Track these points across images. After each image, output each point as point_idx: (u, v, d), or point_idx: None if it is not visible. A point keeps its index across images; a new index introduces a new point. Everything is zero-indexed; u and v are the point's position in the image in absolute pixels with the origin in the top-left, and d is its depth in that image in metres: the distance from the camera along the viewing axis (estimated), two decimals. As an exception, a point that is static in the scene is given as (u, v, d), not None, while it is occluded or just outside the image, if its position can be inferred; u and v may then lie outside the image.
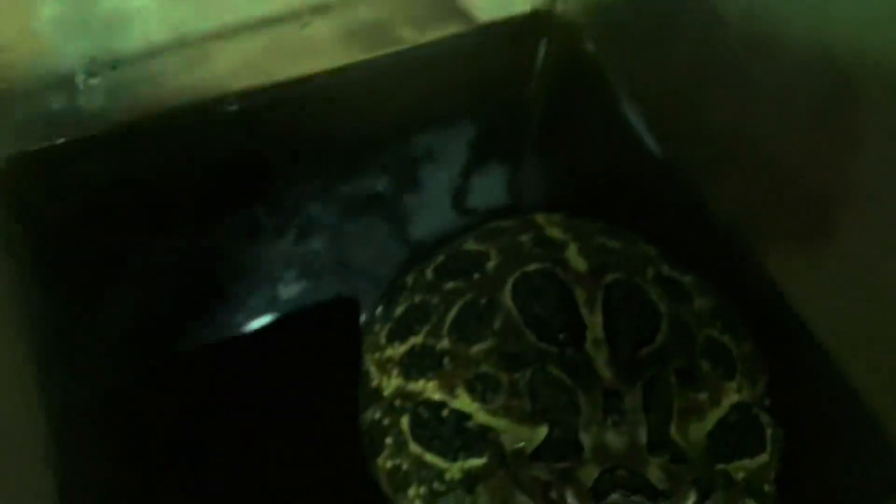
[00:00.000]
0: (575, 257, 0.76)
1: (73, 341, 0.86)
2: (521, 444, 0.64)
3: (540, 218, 0.86)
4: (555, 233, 0.82)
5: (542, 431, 0.64)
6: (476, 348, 0.70)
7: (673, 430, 0.65)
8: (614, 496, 0.58)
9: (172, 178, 0.95)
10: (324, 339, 0.91)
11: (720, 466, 0.67)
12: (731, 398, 0.70)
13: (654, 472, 0.60)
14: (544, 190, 1.06)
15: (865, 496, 0.75)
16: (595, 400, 0.64)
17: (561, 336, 0.69)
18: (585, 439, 0.62)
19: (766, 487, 0.70)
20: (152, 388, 0.86)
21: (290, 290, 0.94)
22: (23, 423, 0.74)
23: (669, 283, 0.77)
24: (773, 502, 0.70)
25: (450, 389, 0.69)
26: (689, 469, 0.62)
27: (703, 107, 0.90)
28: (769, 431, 0.72)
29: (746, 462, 0.69)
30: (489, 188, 1.03)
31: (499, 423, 0.66)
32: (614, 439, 0.62)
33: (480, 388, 0.68)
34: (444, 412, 0.68)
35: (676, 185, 0.94)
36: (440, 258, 0.81)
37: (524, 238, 0.80)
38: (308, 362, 0.88)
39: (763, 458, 0.70)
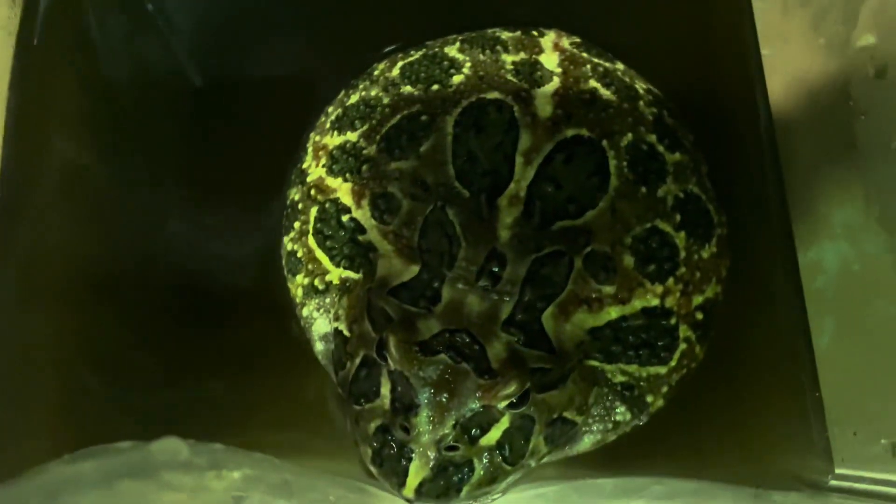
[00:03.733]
0: (545, 97, 0.66)
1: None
2: (391, 276, 0.62)
3: (549, 38, 0.74)
4: (551, 61, 0.71)
5: (413, 270, 0.61)
6: (395, 165, 0.65)
7: (548, 314, 0.60)
8: (443, 356, 0.56)
9: None
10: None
11: (594, 363, 0.63)
12: (648, 301, 0.63)
13: (496, 348, 0.57)
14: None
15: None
16: (476, 258, 0.60)
17: (480, 181, 0.63)
18: (446, 293, 0.59)
19: (651, 398, 0.66)
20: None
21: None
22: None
23: (645, 156, 0.66)
24: (652, 413, 0.66)
25: (358, 198, 0.66)
26: (537, 356, 0.58)
27: None
28: (682, 346, 0.66)
29: (633, 368, 0.64)
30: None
31: (384, 246, 0.64)
32: (474, 303, 0.59)
33: (382, 207, 0.65)
34: (345, 218, 0.66)
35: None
36: (417, 54, 0.73)
37: (511, 58, 0.70)
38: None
39: (659, 369, 0.65)
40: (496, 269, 0.60)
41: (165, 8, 0.90)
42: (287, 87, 0.83)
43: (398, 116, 0.68)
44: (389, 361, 0.57)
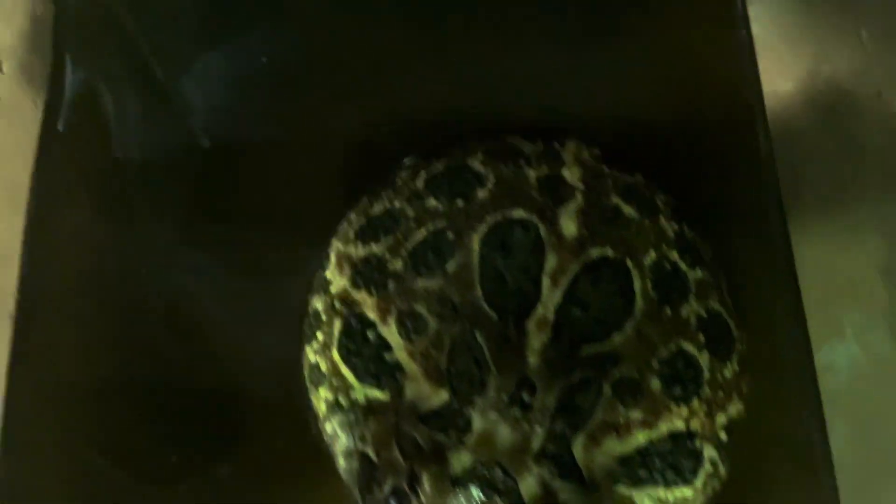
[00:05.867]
0: (569, 215, 0.67)
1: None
2: (419, 399, 0.62)
3: (569, 150, 0.75)
4: (573, 175, 0.72)
5: (443, 396, 0.61)
6: (422, 283, 0.66)
7: (578, 443, 0.60)
8: (474, 489, 0.56)
9: None
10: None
11: (622, 490, 0.63)
12: (674, 424, 0.64)
13: (528, 483, 0.57)
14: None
15: None
16: (506, 385, 0.60)
17: (507, 303, 0.63)
18: (477, 422, 0.59)
19: (678, 521, 0.66)
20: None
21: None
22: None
23: (669, 275, 0.67)
24: None
25: (384, 314, 0.66)
26: (570, 489, 0.58)
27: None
28: (707, 468, 0.66)
29: (660, 492, 0.64)
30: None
31: (411, 367, 0.64)
32: (505, 433, 0.59)
33: (410, 326, 0.65)
34: (371, 334, 0.66)
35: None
36: (440, 166, 0.74)
37: (533, 173, 0.71)
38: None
39: (686, 492, 0.65)
40: (527, 398, 0.60)
41: (181, 89, 0.91)
42: (305, 185, 0.83)
43: (423, 231, 0.68)
44: (421, 496, 0.57)
